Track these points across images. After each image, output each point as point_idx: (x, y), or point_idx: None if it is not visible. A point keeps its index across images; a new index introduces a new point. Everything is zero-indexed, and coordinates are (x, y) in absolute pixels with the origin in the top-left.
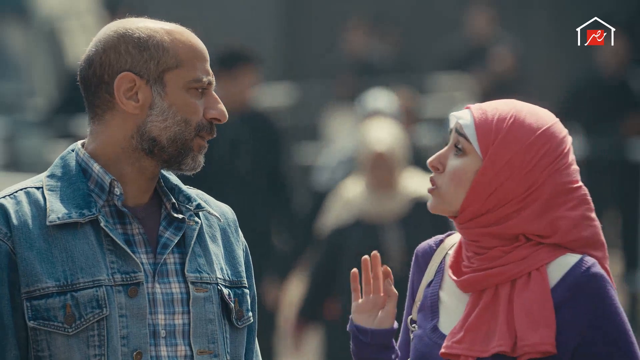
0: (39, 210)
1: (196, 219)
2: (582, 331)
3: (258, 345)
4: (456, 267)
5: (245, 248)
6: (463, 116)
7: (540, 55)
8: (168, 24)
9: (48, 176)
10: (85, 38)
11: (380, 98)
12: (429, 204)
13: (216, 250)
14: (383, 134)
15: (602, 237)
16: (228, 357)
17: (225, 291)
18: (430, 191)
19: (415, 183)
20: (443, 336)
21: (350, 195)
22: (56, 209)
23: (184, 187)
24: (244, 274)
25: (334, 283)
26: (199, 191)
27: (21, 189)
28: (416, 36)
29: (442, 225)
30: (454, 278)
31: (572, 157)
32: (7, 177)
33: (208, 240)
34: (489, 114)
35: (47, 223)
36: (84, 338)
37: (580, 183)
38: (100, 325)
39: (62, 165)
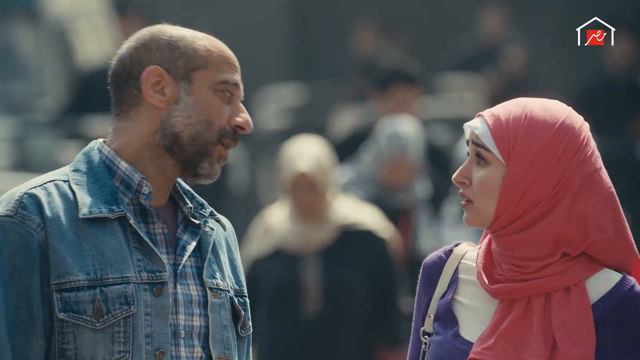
0: (69, 203)
1: (211, 225)
2: (620, 349)
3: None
4: (487, 273)
5: (240, 259)
6: (477, 125)
7: (550, 55)
8: (201, 33)
9: (73, 170)
10: (94, 39)
11: (409, 131)
12: (464, 217)
13: (224, 259)
14: (307, 152)
15: (634, 251)
16: None
17: (236, 299)
18: (464, 206)
19: (346, 209)
20: (466, 342)
21: (274, 222)
22: (87, 203)
23: (195, 194)
24: (244, 284)
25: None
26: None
27: (50, 181)
28: (426, 37)
29: (369, 258)
30: (487, 284)
31: (592, 144)
32: (17, 178)
33: (217, 247)
34: (502, 119)
35: (80, 216)
36: (110, 334)
37: (604, 170)
38: (127, 322)
39: (85, 161)
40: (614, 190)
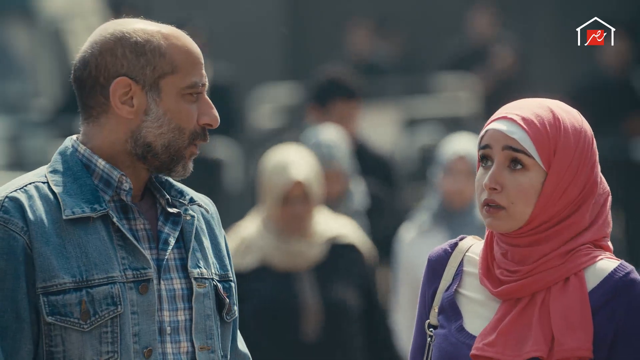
0: (50, 205)
1: (191, 212)
2: (614, 332)
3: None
4: (490, 276)
5: (225, 238)
6: (512, 130)
7: (543, 55)
8: (164, 27)
9: (51, 172)
10: None
11: (332, 139)
12: (489, 223)
13: (207, 244)
14: (300, 161)
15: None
16: (221, 353)
17: (220, 286)
18: (492, 212)
19: (326, 222)
20: (470, 336)
21: (252, 235)
22: (69, 204)
23: (174, 181)
24: (229, 266)
25: None
26: (182, 184)
27: (30, 183)
28: (420, 36)
29: (356, 273)
30: (491, 288)
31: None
32: (12, 177)
33: (200, 234)
34: (537, 123)
35: (64, 217)
36: (97, 335)
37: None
38: (114, 322)
39: (62, 161)
40: (609, 188)
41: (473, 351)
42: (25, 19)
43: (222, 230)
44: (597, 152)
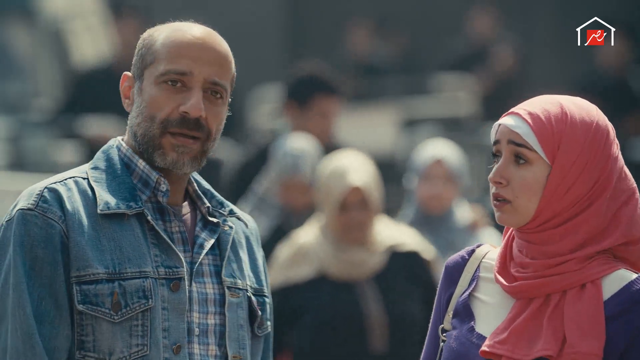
0: (87, 199)
1: (230, 223)
2: (628, 341)
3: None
4: (505, 273)
5: (263, 257)
6: (517, 124)
7: (543, 55)
8: (190, 26)
9: (92, 168)
10: (90, 39)
11: (303, 148)
12: (497, 217)
13: (244, 257)
14: (358, 166)
15: None
16: None
17: (254, 299)
18: (499, 206)
19: (387, 229)
20: (480, 336)
21: (310, 243)
22: (105, 200)
23: (215, 192)
24: (265, 283)
25: (288, 346)
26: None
27: (70, 177)
28: (420, 36)
29: (419, 280)
30: (505, 283)
31: (616, 141)
32: (12, 177)
33: (237, 246)
34: (542, 118)
35: (99, 211)
36: (128, 327)
37: (625, 167)
38: (145, 316)
39: (105, 159)
40: (636, 185)
41: (483, 348)
42: (25, 19)
43: (261, 248)
44: (616, 147)
